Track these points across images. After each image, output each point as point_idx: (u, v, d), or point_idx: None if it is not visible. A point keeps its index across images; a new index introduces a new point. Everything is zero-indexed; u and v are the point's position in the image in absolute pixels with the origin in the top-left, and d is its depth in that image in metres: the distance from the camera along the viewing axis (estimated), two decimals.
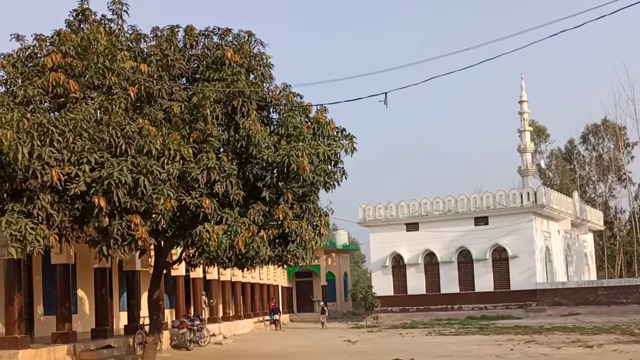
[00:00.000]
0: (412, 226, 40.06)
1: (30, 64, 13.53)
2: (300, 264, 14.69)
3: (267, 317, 35.63)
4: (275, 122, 15.14)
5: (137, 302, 20.94)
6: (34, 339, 17.89)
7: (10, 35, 13.85)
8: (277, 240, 14.00)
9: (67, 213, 12.19)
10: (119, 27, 14.81)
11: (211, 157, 12.94)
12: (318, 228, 14.65)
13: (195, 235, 12.89)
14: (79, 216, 12.43)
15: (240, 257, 13.35)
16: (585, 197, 57.22)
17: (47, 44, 13.70)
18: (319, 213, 14.67)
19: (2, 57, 13.60)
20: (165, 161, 12.44)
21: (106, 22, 14.60)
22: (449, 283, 39.06)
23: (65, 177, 11.74)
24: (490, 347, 19.95)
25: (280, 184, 13.83)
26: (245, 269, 15.70)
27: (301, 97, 15.14)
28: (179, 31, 15.02)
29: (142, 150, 12.27)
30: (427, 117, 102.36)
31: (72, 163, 11.81)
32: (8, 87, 13.36)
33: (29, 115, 11.65)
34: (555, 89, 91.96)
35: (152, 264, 17.88)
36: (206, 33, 15.24)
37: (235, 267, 15.25)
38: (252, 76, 14.62)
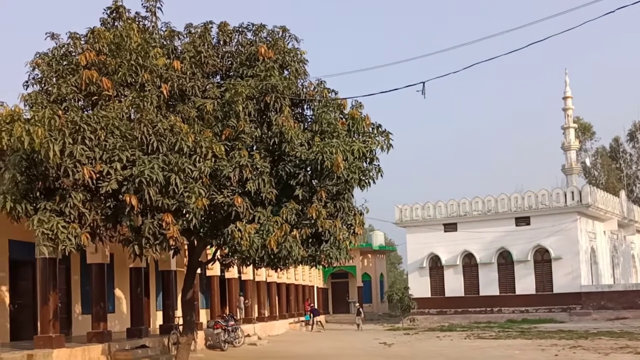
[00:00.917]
0: (450, 226, 39.29)
1: (65, 62, 13.48)
2: (334, 265, 14.32)
3: (302, 318, 35.36)
4: (309, 119, 14.80)
5: (172, 302, 20.90)
6: (71, 338, 17.99)
7: (46, 34, 13.87)
8: (310, 240, 13.66)
9: (98, 212, 12.09)
10: (152, 24, 14.70)
11: (243, 154, 12.69)
12: (352, 227, 14.24)
13: (227, 234, 12.65)
14: (111, 215, 12.32)
15: (272, 256, 13.05)
16: (633, 196, 55.34)
17: (82, 42, 13.64)
18: (353, 212, 14.27)
19: (38, 55, 13.60)
20: (197, 159, 12.23)
21: (140, 19, 14.50)
22: (489, 285, 38.15)
23: (97, 175, 11.63)
24: (532, 353, 19.20)
25: (313, 182, 13.47)
26: (278, 269, 15.40)
27: (336, 93, 14.77)
28: (212, 28, 14.83)
29: (173, 148, 12.09)
30: (466, 113, 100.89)
31: (104, 161, 11.70)
32: (43, 85, 13.34)
33: (60, 112, 11.56)
34: (602, 86, 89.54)
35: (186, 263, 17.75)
36: (240, 29, 15.00)
37: (267, 267, 14.97)
38: (286, 72, 14.34)
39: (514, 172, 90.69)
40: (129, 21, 13.81)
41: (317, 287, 40.88)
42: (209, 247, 16.39)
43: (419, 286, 39.04)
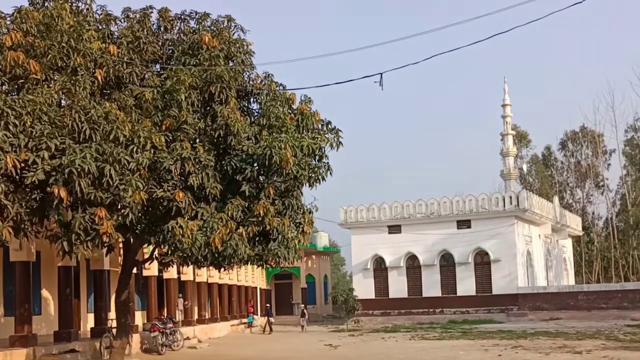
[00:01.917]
0: (395, 229, 39.27)
1: None
2: (282, 264, 13.71)
3: (244, 320, 34.54)
4: (255, 113, 14.18)
5: (105, 304, 19.84)
6: None
7: None
8: (257, 238, 13.06)
9: (23, 204, 11.05)
10: (87, 6, 13.76)
11: (185, 146, 11.94)
12: (301, 226, 13.69)
13: (167, 231, 11.87)
14: (37, 208, 11.31)
15: (216, 255, 12.36)
16: (563, 203, 57.08)
17: (7, 21, 12.58)
18: (302, 210, 13.72)
19: None
20: (135, 149, 11.39)
21: (73, 0, 13.49)
22: (431, 287, 38.32)
23: (22, 164, 10.63)
24: (477, 353, 19.15)
25: (261, 177, 12.88)
26: (223, 269, 14.70)
27: (284, 87, 14.21)
28: (152, 13, 14.06)
29: (108, 137, 11.20)
30: (411, 115, 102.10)
31: (30, 149, 10.71)
32: None
33: None
34: (537, 96, 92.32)
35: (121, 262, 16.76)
36: (182, 17, 14.29)
37: (211, 267, 14.25)
38: (231, 63, 13.65)
39: (455, 177, 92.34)
40: (61, 1, 12.77)
41: (260, 288, 40.09)
42: (146, 245, 15.49)
43: (363, 287, 38.83)
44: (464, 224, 37.98)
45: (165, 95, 12.37)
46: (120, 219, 11.52)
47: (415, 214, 38.72)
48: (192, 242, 11.73)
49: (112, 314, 19.36)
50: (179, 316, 26.23)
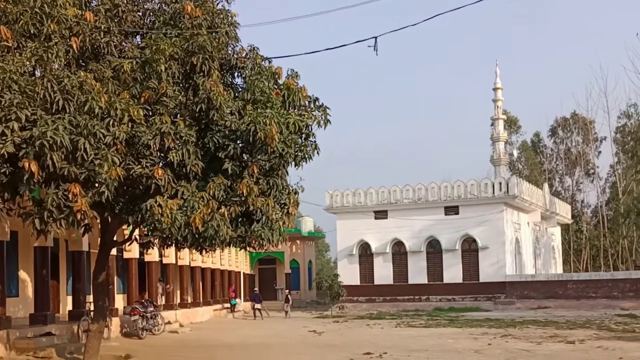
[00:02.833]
0: (381, 214, 38.85)
1: None
2: (266, 247, 13.13)
3: (226, 305, 34.05)
4: (239, 88, 13.53)
5: (83, 286, 19.29)
6: None
7: None
8: (240, 219, 12.44)
9: None
10: None
11: (165, 120, 11.28)
12: (286, 207, 13.09)
13: (146, 210, 11.22)
14: (7, 183, 10.63)
15: (197, 236, 11.73)
16: (552, 190, 56.98)
17: None
18: (287, 190, 13.12)
19: None
20: (111, 122, 10.72)
21: None
22: (417, 273, 38.02)
23: None
24: (466, 341, 18.79)
25: (244, 155, 12.24)
26: (204, 251, 14.09)
27: (270, 61, 13.55)
28: None
29: (82, 108, 10.51)
30: (397, 102, 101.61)
31: None
32: None
33: None
34: (529, 81, 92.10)
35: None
36: None
37: (192, 248, 13.66)
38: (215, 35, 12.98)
39: (443, 163, 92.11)
40: None
41: (243, 273, 39.59)
42: (126, 226, 14.86)
43: (348, 273, 38.45)
44: (451, 210, 37.63)
45: (145, 67, 11.70)
46: (96, 196, 10.88)
47: (402, 199, 38.32)
48: (171, 222, 11.10)
49: (91, 297, 18.77)
50: (160, 300, 25.67)
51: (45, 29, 11.15)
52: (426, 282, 37.81)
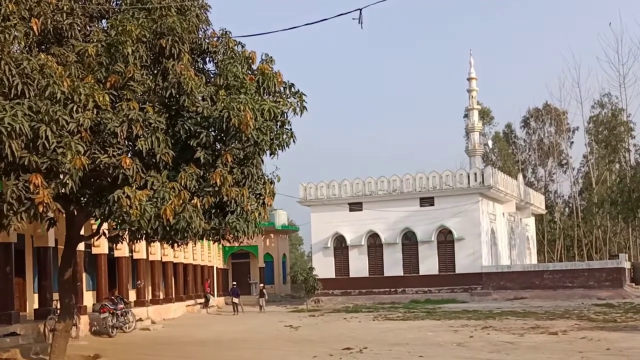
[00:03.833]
0: (356, 206, 38.52)
1: None
2: (241, 239, 12.56)
3: (200, 300, 33.38)
4: (212, 74, 12.94)
5: (49, 284, 18.54)
6: None
7: None
8: (213, 211, 11.87)
9: None
10: None
11: (133, 106, 10.64)
12: (262, 197, 12.55)
13: (113, 201, 10.59)
14: None
15: (168, 229, 11.11)
16: (525, 181, 57.36)
17: None
18: (263, 180, 12.59)
19: None
20: (75, 108, 10.05)
21: None
22: (393, 265, 37.80)
23: None
24: (446, 334, 18.46)
25: (217, 143, 11.66)
26: (176, 245, 13.47)
27: (243, 46, 13.00)
28: None
29: (43, 93, 9.84)
30: (371, 91, 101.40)
31: None
32: None
33: None
34: (501, 72, 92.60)
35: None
36: None
37: (163, 242, 13.03)
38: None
39: (417, 155, 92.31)
40: None
41: (216, 267, 38.91)
42: (93, 219, 14.16)
43: (323, 267, 38.04)
44: (427, 201, 37.45)
45: (111, 49, 11.03)
46: (59, 187, 10.22)
47: (377, 190, 38.02)
48: (140, 214, 10.48)
49: (57, 295, 18.02)
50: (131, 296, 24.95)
51: (3, 9, 10.42)
52: (402, 274, 37.62)
